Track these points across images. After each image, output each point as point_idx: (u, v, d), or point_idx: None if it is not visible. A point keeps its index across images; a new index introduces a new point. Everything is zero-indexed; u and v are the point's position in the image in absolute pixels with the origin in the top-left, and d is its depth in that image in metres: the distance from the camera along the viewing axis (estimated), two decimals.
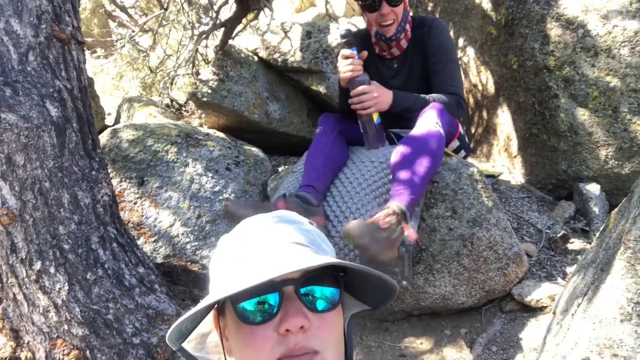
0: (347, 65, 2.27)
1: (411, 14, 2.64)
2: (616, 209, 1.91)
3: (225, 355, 0.80)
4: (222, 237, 0.84)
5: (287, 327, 0.69)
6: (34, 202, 1.79)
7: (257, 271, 0.69)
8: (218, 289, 0.75)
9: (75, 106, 1.98)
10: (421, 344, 2.31)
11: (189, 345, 0.83)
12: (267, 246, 0.75)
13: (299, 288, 0.71)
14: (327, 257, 0.76)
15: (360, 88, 2.26)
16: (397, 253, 2.00)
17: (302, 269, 0.68)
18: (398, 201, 2.02)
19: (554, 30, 2.91)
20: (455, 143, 2.56)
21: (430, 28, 2.44)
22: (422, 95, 2.38)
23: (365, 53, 2.29)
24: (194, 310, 0.71)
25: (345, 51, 2.27)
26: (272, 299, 0.71)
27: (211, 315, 0.82)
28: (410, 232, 2.01)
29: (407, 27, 2.44)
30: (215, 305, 0.80)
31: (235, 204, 2.18)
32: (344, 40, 2.28)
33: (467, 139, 2.66)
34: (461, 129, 2.56)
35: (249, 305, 0.71)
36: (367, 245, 1.84)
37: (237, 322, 0.73)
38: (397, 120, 2.44)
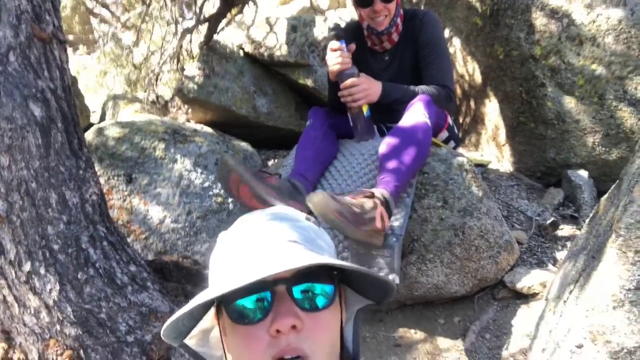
0: (336, 58, 2.26)
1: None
2: (605, 196, 1.93)
3: (225, 353, 0.79)
4: (220, 234, 0.83)
5: (277, 328, 0.68)
6: (21, 203, 1.77)
7: (249, 270, 0.68)
8: (211, 287, 0.75)
9: (59, 106, 1.95)
10: (415, 333, 2.33)
11: (191, 341, 0.82)
12: (261, 245, 0.74)
13: (291, 287, 0.70)
14: (320, 256, 0.74)
15: (350, 81, 2.26)
16: (380, 238, 2.00)
17: (294, 267, 0.67)
18: (382, 189, 2.03)
19: (539, 20, 2.93)
20: (445, 134, 2.57)
21: (422, 21, 2.43)
22: (411, 87, 2.38)
23: (353, 46, 2.29)
24: (186, 308, 0.70)
25: (334, 44, 2.26)
26: (264, 298, 0.70)
27: (212, 312, 0.81)
28: (379, 219, 1.95)
29: (399, 20, 2.43)
30: (215, 302, 0.79)
31: (232, 159, 2.16)
32: (332, 33, 2.26)
33: (456, 130, 2.66)
34: (450, 120, 2.57)
35: (241, 305, 0.70)
36: (335, 219, 1.84)
37: (231, 322, 0.72)
38: (387, 112, 2.44)
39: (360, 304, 0.86)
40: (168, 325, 0.73)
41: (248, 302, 0.70)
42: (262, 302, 0.70)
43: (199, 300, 0.69)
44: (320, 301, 0.72)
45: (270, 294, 0.70)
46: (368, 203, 1.95)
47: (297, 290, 0.70)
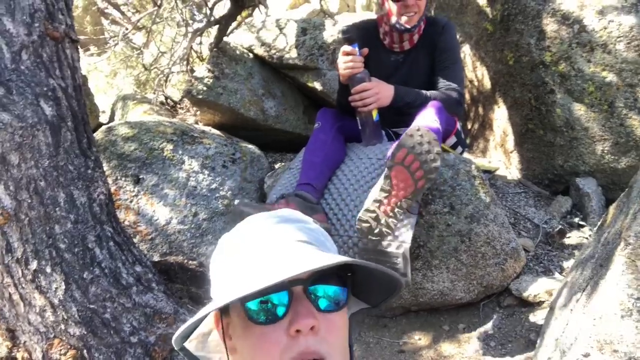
0: (348, 62, 2.25)
1: None
2: (614, 204, 1.91)
3: (227, 355, 0.78)
4: (222, 237, 0.82)
5: (297, 328, 0.67)
6: (30, 201, 1.78)
7: (266, 271, 0.67)
8: (224, 290, 0.74)
9: (69, 105, 1.96)
10: (419, 339, 2.31)
11: (190, 344, 0.81)
12: (273, 245, 0.74)
13: (308, 287, 0.70)
14: (338, 256, 0.74)
15: (361, 85, 2.25)
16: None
17: (312, 269, 0.66)
18: None
19: (550, 26, 2.91)
20: (452, 139, 2.56)
21: (443, 28, 2.45)
22: (423, 92, 2.37)
23: (366, 50, 2.28)
24: (201, 313, 0.70)
25: (346, 47, 2.25)
26: (282, 298, 0.69)
27: (212, 315, 0.80)
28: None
29: (422, 23, 2.43)
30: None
31: (244, 204, 2.14)
32: (345, 36, 2.26)
33: (463, 135, 2.65)
34: (458, 126, 2.56)
35: (257, 305, 0.70)
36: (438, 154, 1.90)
37: (245, 322, 0.71)
38: (397, 116, 2.43)
39: (354, 308, 0.86)
40: (181, 332, 0.73)
41: (265, 302, 0.69)
42: (279, 302, 0.69)
43: (216, 305, 0.69)
44: (334, 302, 0.72)
45: (288, 294, 0.69)
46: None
47: (313, 291, 0.70)
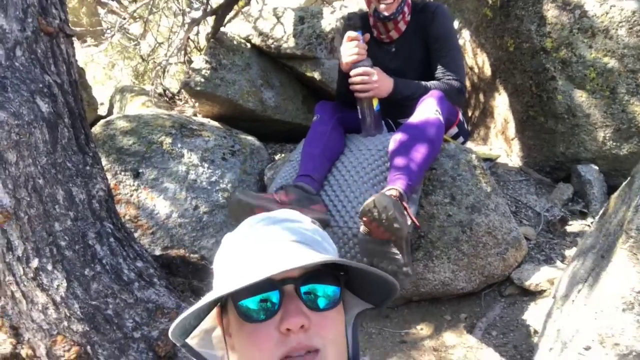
0: (353, 48, 2.23)
1: None
2: (616, 193, 1.90)
3: (227, 352, 0.80)
4: (225, 236, 0.84)
5: (287, 327, 0.69)
6: (28, 199, 1.77)
7: (256, 269, 0.69)
8: (219, 286, 0.76)
9: (66, 101, 1.95)
10: (421, 329, 2.32)
11: (192, 341, 0.83)
12: (267, 245, 0.76)
13: (299, 286, 0.72)
14: (327, 255, 0.76)
15: (362, 68, 2.22)
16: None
17: (302, 266, 0.69)
18: (395, 186, 2.01)
19: (551, 12, 2.88)
20: (454, 130, 2.54)
21: (434, 14, 2.39)
22: (423, 83, 2.34)
23: (367, 36, 2.26)
24: (195, 307, 0.71)
25: (352, 33, 2.23)
26: (273, 297, 0.71)
27: (215, 312, 0.82)
28: (413, 218, 2.00)
29: (406, 9, 2.39)
30: (220, 302, 0.80)
31: (243, 193, 2.14)
32: (349, 22, 2.24)
33: (465, 125, 2.63)
34: (460, 116, 2.54)
35: (249, 303, 0.72)
36: (395, 218, 1.81)
37: (239, 320, 0.73)
38: (396, 107, 2.41)
39: (359, 308, 0.88)
40: (176, 325, 0.74)
41: (256, 301, 0.71)
42: (270, 301, 0.71)
43: (208, 298, 0.71)
44: (326, 301, 0.73)
45: (279, 293, 0.71)
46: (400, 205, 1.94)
47: (304, 290, 0.72)
